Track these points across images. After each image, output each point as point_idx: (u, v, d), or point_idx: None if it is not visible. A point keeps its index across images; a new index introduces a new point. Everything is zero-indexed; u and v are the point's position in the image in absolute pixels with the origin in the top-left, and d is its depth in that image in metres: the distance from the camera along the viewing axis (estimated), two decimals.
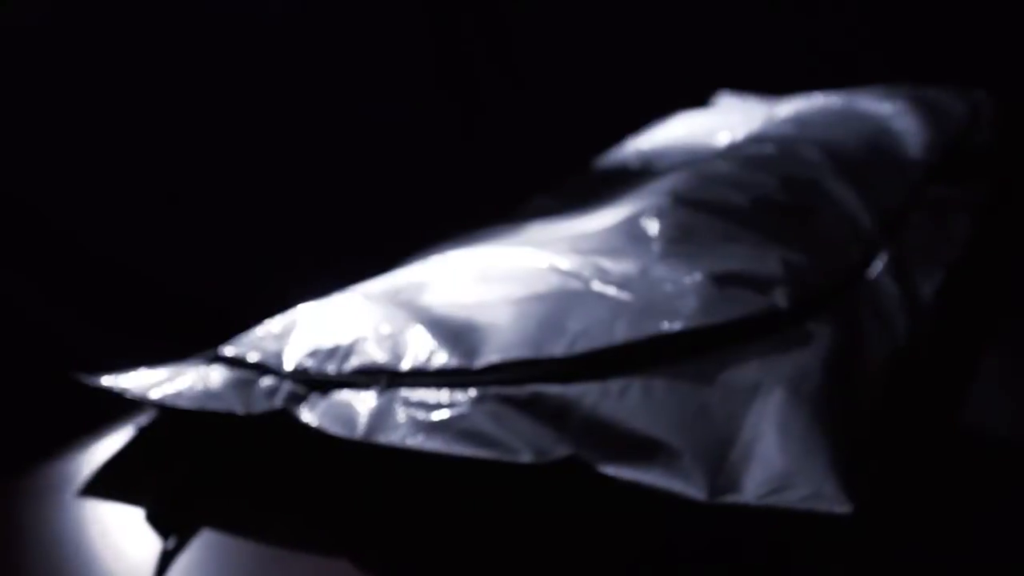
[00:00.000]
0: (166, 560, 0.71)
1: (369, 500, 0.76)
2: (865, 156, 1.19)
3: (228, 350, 0.89)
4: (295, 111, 1.43)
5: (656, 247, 0.91)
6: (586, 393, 0.73)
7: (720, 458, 0.66)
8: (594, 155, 1.46)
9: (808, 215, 1.02)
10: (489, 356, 0.78)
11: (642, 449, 0.68)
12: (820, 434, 0.66)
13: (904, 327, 0.88)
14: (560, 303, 0.83)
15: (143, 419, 0.87)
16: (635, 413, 0.70)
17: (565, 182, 1.36)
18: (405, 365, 0.80)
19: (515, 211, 1.27)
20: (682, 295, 0.81)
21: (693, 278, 0.83)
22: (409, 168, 1.53)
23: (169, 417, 0.86)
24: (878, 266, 0.96)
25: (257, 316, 0.94)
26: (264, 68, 1.36)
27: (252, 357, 0.87)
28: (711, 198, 1.01)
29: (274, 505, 0.77)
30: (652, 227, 0.95)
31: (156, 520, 0.74)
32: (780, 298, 0.82)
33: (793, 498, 0.62)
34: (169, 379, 0.87)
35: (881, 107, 1.34)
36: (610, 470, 0.68)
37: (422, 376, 0.79)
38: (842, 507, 0.61)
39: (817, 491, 0.62)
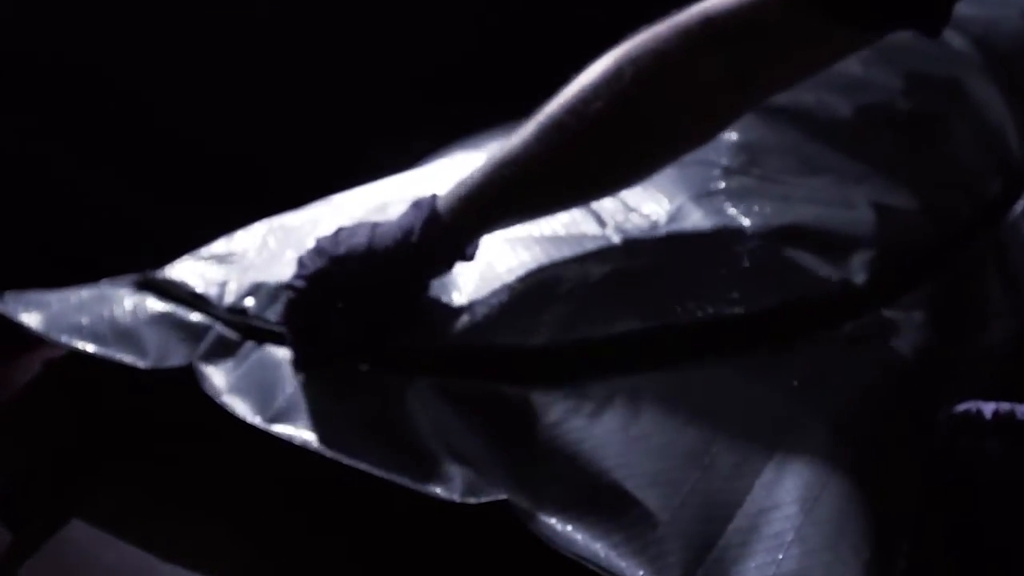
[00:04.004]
0: (13, 560, 0.56)
1: (288, 493, 0.60)
2: None
3: (168, 272, 0.72)
4: None
5: (710, 176, 0.68)
6: (553, 402, 0.53)
7: (710, 535, 0.46)
8: None
9: (936, 131, 0.77)
10: (443, 333, 0.59)
11: (605, 501, 0.49)
12: (860, 516, 0.45)
13: None
14: (560, 261, 0.62)
15: (55, 353, 0.71)
16: (607, 444, 0.50)
17: None
18: None
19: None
20: (718, 260, 0.59)
21: (741, 230, 0.61)
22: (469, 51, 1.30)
23: (79, 355, 0.70)
24: (1021, 205, 0.72)
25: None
26: None
27: (194, 284, 0.70)
28: (803, 102, 0.76)
29: (172, 491, 0.62)
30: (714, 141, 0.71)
31: (8, 506, 0.59)
32: (858, 270, 0.59)
33: None
34: (83, 307, 0.71)
35: None
36: (550, 532, 0.49)
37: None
38: None
39: None
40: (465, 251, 0.61)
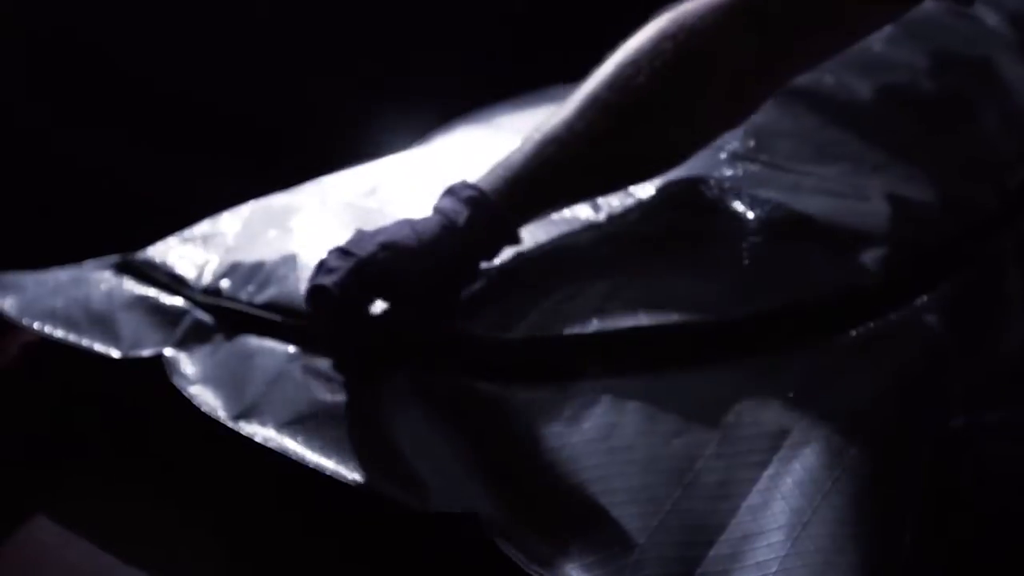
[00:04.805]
0: None
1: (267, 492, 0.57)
2: None
3: (148, 253, 0.70)
4: None
5: (715, 161, 0.64)
6: (530, 403, 0.50)
7: (689, 560, 0.43)
8: None
9: (961, 114, 0.72)
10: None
11: (579, 518, 0.45)
12: (852, 545, 0.42)
13: None
14: (548, 248, 0.59)
15: (33, 336, 0.69)
16: (585, 453, 0.47)
17: None
18: None
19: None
20: (717, 255, 0.56)
21: (744, 222, 0.58)
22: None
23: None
24: None
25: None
26: None
27: (174, 264, 0.68)
28: (822, 83, 0.72)
29: (151, 488, 0.59)
30: None
31: None
32: (868, 269, 0.55)
33: None
34: (59, 291, 0.68)
35: None
36: (521, 549, 0.45)
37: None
38: None
39: None
40: (515, 234, 0.59)
